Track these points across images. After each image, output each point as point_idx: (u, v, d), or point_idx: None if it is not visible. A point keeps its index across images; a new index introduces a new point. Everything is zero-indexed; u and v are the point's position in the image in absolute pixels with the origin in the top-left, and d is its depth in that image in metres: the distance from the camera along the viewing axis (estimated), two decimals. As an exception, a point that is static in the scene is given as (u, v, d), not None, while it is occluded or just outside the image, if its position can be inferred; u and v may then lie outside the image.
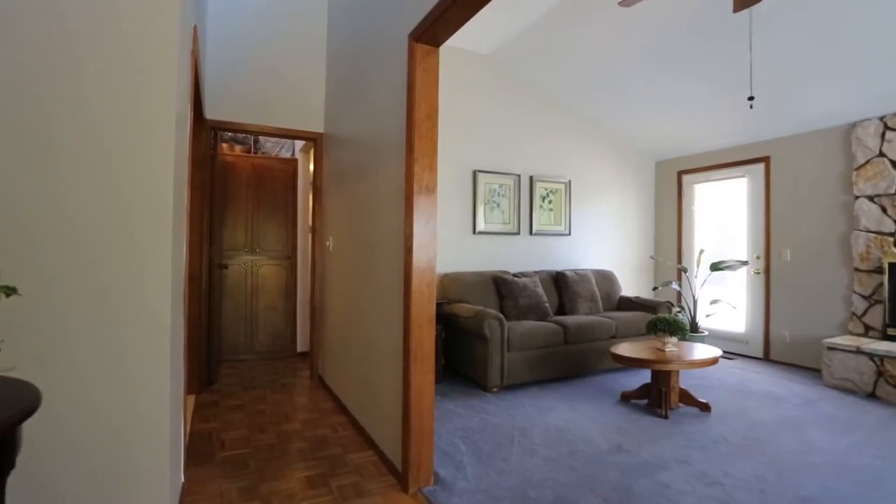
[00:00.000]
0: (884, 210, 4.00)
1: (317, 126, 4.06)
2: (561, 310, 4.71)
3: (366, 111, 2.95)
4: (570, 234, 5.39)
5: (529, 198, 5.12)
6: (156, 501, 1.58)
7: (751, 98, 3.20)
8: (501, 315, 3.76)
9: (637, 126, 5.37)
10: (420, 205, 2.22)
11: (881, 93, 3.75)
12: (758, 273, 4.97)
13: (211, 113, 3.63)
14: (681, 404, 3.32)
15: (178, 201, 1.79)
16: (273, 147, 5.74)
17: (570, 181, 5.37)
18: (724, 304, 5.03)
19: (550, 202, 5.25)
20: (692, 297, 5.31)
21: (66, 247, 1.48)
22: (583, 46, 4.15)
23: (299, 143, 5.22)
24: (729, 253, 5.27)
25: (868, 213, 4.08)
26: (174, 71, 1.62)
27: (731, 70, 3.85)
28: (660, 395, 3.20)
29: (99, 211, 1.52)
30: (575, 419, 3.10)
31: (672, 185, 5.93)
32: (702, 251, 5.37)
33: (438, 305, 4.01)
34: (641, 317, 4.50)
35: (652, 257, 6.09)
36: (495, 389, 3.71)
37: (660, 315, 3.49)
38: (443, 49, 2.31)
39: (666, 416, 3.12)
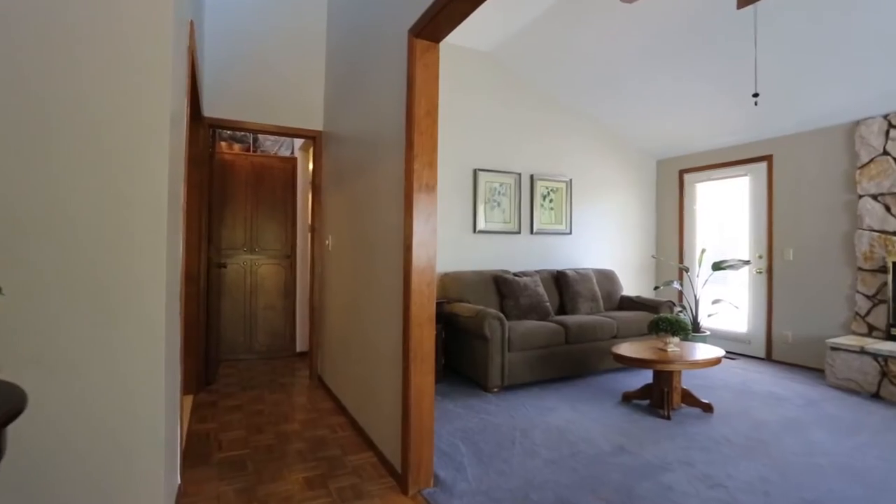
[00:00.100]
0: (888, 209, 3.96)
1: (316, 123, 4.03)
2: (562, 309, 4.68)
3: (365, 108, 2.92)
4: (571, 233, 5.36)
5: (530, 197, 5.09)
6: (151, 503, 1.56)
7: (755, 95, 3.17)
8: (502, 315, 3.73)
9: (638, 124, 5.34)
10: (420, 202, 2.20)
11: (885, 90, 3.71)
12: (760, 272, 4.94)
13: (209, 111, 3.60)
14: (683, 405, 3.29)
15: (174, 200, 1.76)
16: (272, 145, 5.71)
17: (570, 180, 5.34)
18: (726, 304, 5.00)
19: (551, 201, 5.22)
20: (694, 296, 5.28)
21: (59, 246, 1.45)
22: (583, 44, 4.12)
23: (298, 142, 5.19)
24: (731, 252, 5.24)
25: (872, 212, 4.05)
26: (169, 67, 1.59)
27: (732, 68, 3.81)
28: (662, 396, 3.18)
29: (93, 209, 1.49)
30: (576, 420, 3.08)
31: (673, 183, 5.90)
32: (703, 250, 5.33)
33: (438, 305, 3.99)
34: (643, 316, 4.47)
35: (653, 256, 6.06)
36: (496, 390, 3.69)
37: (661, 315, 3.46)
38: (442, 46, 2.29)
39: (668, 417, 3.09)
